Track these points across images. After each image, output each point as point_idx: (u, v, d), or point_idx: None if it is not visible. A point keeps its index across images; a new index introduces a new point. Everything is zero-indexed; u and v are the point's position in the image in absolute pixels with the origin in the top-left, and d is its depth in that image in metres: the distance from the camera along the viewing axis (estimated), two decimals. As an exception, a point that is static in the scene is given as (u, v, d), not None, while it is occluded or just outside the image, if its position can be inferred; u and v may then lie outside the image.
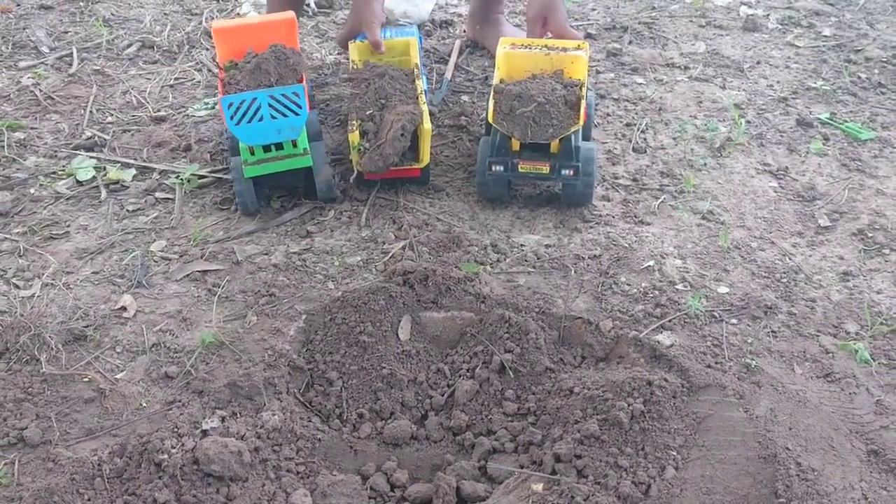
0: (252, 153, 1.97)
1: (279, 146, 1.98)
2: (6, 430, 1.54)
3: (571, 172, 2.00)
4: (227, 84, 1.98)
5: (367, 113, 2.03)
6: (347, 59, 2.39)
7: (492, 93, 2.00)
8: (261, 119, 1.90)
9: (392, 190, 2.17)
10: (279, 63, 1.99)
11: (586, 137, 2.15)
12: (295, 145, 1.98)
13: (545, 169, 2.01)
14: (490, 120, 1.99)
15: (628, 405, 1.55)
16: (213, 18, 3.01)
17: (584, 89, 2.00)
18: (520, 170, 2.02)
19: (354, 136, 2.00)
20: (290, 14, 2.13)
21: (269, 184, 2.08)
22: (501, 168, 2.02)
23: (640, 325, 1.78)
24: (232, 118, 1.89)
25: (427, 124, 2.01)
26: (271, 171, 1.99)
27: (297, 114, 1.92)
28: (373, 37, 2.21)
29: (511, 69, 2.08)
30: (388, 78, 2.11)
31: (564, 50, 2.09)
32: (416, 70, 2.19)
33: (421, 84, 2.14)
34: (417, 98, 2.09)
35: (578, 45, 2.11)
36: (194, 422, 1.56)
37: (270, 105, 1.89)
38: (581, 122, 1.97)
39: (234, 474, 1.46)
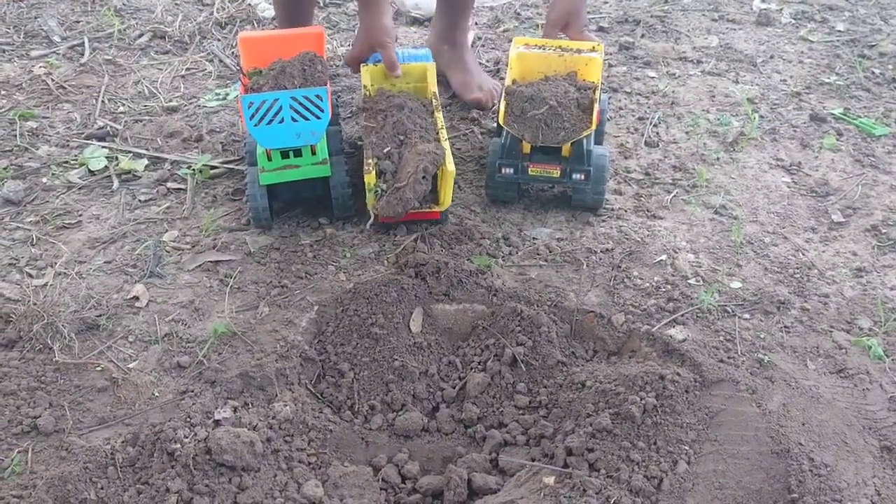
0: (269, 159, 1.89)
1: (297, 153, 1.90)
2: (20, 419, 1.55)
3: (582, 177, 1.97)
4: (250, 90, 1.93)
5: (385, 151, 1.89)
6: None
7: (503, 94, 1.97)
8: (281, 121, 1.82)
9: (404, 182, 2.17)
10: (304, 69, 1.93)
11: (598, 141, 2.12)
12: (314, 153, 1.90)
13: (556, 173, 1.97)
14: (501, 121, 1.95)
15: (640, 399, 1.54)
16: (224, 9, 3.00)
17: (597, 92, 1.96)
18: (530, 173, 1.98)
19: (371, 178, 1.85)
20: (319, 28, 2.09)
21: (284, 197, 2.00)
22: (511, 171, 1.98)
23: (652, 320, 1.77)
24: (251, 118, 1.81)
25: (450, 166, 1.86)
26: (288, 179, 1.91)
27: (318, 117, 1.84)
28: (389, 58, 2.07)
29: (524, 70, 2.05)
30: (407, 111, 1.97)
31: (579, 51, 2.05)
32: (434, 101, 2.06)
33: (441, 116, 2.01)
34: (438, 133, 1.95)
35: (593, 47, 2.07)
36: (207, 412, 1.56)
37: (291, 107, 1.82)
38: (594, 126, 1.93)
39: (247, 464, 1.47)
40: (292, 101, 1.82)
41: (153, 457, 1.47)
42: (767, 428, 1.52)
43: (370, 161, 1.87)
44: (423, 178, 1.83)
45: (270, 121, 1.82)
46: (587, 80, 2.02)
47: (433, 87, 2.10)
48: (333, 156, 1.96)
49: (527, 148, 1.97)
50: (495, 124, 2.26)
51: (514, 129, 1.93)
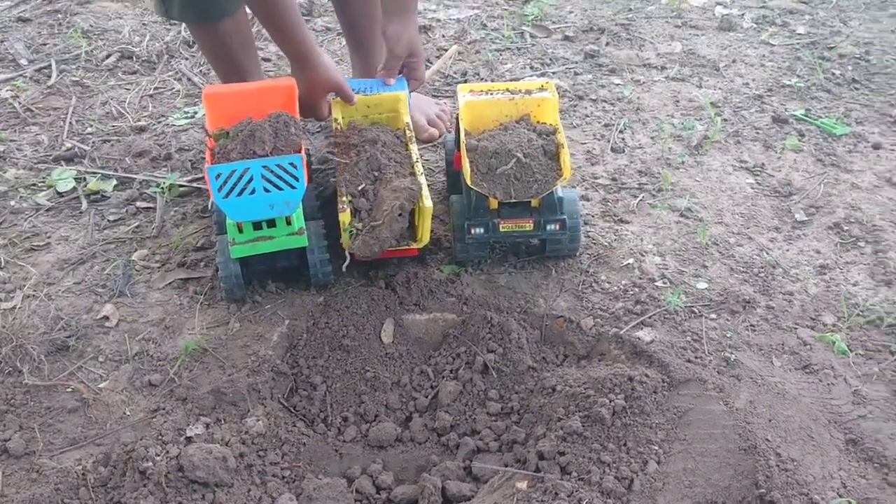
0: (241, 231, 1.75)
1: (271, 223, 1.75)
2: (-11, 442, 1.54)
3: (557, 227, 1.86)
4: (217, 154, 1.78)
5: (360, 188, 1.80)
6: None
7: (464, 151, 1.84)
8: (252, 192, 1.67)
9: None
10: (276, 132, 1.78)
11: None
12: (289, 223, 1.76)
13: (529, 226, 1.87)
14: (468, 181, 1.81)
15: (610, 401, 1.56)
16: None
17: (561, 135, 1.86)
18: (501, 230, 1.87)
19: (346, 216, 1.75)
20: (290, 80, 1.93)
21: (256, 268, 1.86)
22: (482, 230, 1.86)
23: (620, 323, 1.79)
24: (219, 190, 1.66)
25: (427, 202, 1.76)
26: (261, 251, 1.77)
27: (293, 187, 1.69)
28: (346, 93, 1.99)
29: (474, 119, 1.95)
30: (381, 145, 1.88)
31: (528, 93, 1.97)
32: (407, 131, 1.96)
33: (415, 148, 1.91)
34: (413, 167, 1.86)
35: (542, 86, 1.98)
36: (178, 429, 1.56)
37: (264, 177, 1.67)
38: (566, 173, 1.81)
39: (220, 480, 1.47)
40: (264, 170, 1.68)
41: (125, 476, 1.47)
42: (735, 425, 1.54)
43: (344, 199, 1.77)
44: (400, 215, 1.74)
45: (241, 192, 1.67)
46: (542, 121, 1.93)
47: (406, 117, 2.01)
48: (309, 220, 1.83)
49: (494, 203, 1.86)
50: (447, 180, 2.16)
51: (484, 189, 1.81)
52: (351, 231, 1.77)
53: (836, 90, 2.67)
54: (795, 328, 1.80)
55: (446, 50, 2.87)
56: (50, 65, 2.78)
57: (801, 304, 1.86)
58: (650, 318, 1.80)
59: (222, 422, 1.61)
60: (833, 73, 2.76)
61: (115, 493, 1.46)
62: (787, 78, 2.74)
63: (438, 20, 3.11)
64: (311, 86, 1.96)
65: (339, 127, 1.96)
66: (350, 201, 1.78)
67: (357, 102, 2.02)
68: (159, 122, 2.51)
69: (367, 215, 1.78)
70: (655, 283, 1.90)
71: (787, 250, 2.02)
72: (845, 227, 2.09)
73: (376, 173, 1.83)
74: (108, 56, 2.85)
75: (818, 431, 1.56)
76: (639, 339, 1.74)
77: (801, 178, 2.27)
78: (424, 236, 1.82)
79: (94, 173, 2.28)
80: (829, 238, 2.06)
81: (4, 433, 1.56)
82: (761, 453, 1.48)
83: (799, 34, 3.02)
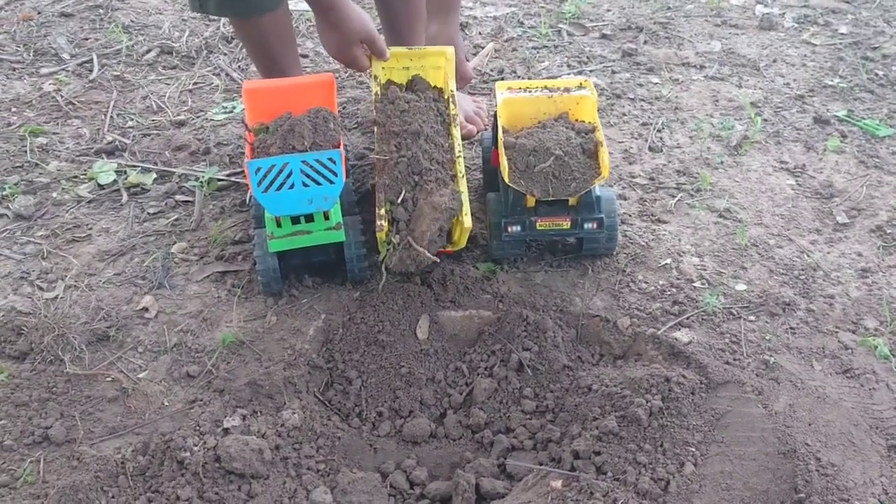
0: (279, 225, 1.77)
1: (309, 218, 1.77)
2: (31, 429, 1.57)
3: (595, 225, 1.85)
4: (256, 149, 1.80)
5: (399, 199, 1.77)
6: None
7: (502, 148, 1.84)
8: (291, 187, 1.69)
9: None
10: (315, 127, 1.78)
11: None
12: (327, 217, 1.78)
13: (566, 224, 1.85)
14: (506, 179, 1.80)
15: (646, 402, 1.55)
16: (230, 24, 3.03)
17: (599, 133, 1.86)
18: (538, 228, 1.86)
19: (382, 234, 1.74)
20: (329, 75, 1.95)
21: (293, 262, 1.88)
22: (518, 228, 1.85)
23: (657, 323, 1.78)
24: (259, 185, 1.68)
25: (467, 221, 1.75)
26: (299, 245, 1.78)
27: (332, 182, 1.70)
28: (377, 49, 1.94)
29: (512, 116, 1.95)
30: (423, 139, 1.83)
31: (567, 90, 1.96)
32: (451, 106, 1.92)
33: (458, 133, 1.89)
34: (455, 164, 1.85)
35: (581, 84, 1.98)
36: (216, 420, 1.58)
37: (303, 171, 1.68)
38: (605, 172, 1.79)
39: (256, 472, 1.48)
40: (303, 164, 1.68)
41: (163, 465, 1.49)
42: (774, 429, 1.53)
43: (381, 212, 1.75)
44: (439, 235, 1.75)
45: (280, 186, 1.69)
46: (580, 119, 1.93)
47: (451, 81, 1.95)
48: (347, 216, 1.83)
49: (531, 201, 1.85)
50: (484, 176, 2.16)
51: (522, 186, 1.80)
52: (388, 248, 1.76)
53: (879, 91, 2.62)
54: (836, 332, 1.77)
55: (483, 47, 2.87)
56: (91, 59, 2.82)
57: (843, 307, 1.83)
58: (688, 318, 1.79)
59: (258, 414, 1.62)
60: (876, 74, 2.71)
61: (153, 482, 1.48)
62: (829, 78, 2.70)
63: (475, 17, 3.11)
64: (341, 36, 1.90)
65: (378, 90, 1.92)
66: (389, 210, 1.76)
67: (399, 54, 1.99)
68: (198, 117, 2.54)
69: (404, 226, 1.76)
70: (693, 284, 1.88)
71: (829, 253, 1.99)
72: (888, 230, 2.05)
73: (416, 177, 1.80)
74: (148, 51, 2.88)
75: (859, 437, 1.54)
76: (676, 339, 1.73)
77: (843, 179, 2.24)
78: (461, 241, 1.83)
79: (134, 166, 2.31)
80: (871, 241, 2.03)
81: (46, 421, 1.58)
82: (801, 457, 1.47)
83: (841, 34, 2.97)
